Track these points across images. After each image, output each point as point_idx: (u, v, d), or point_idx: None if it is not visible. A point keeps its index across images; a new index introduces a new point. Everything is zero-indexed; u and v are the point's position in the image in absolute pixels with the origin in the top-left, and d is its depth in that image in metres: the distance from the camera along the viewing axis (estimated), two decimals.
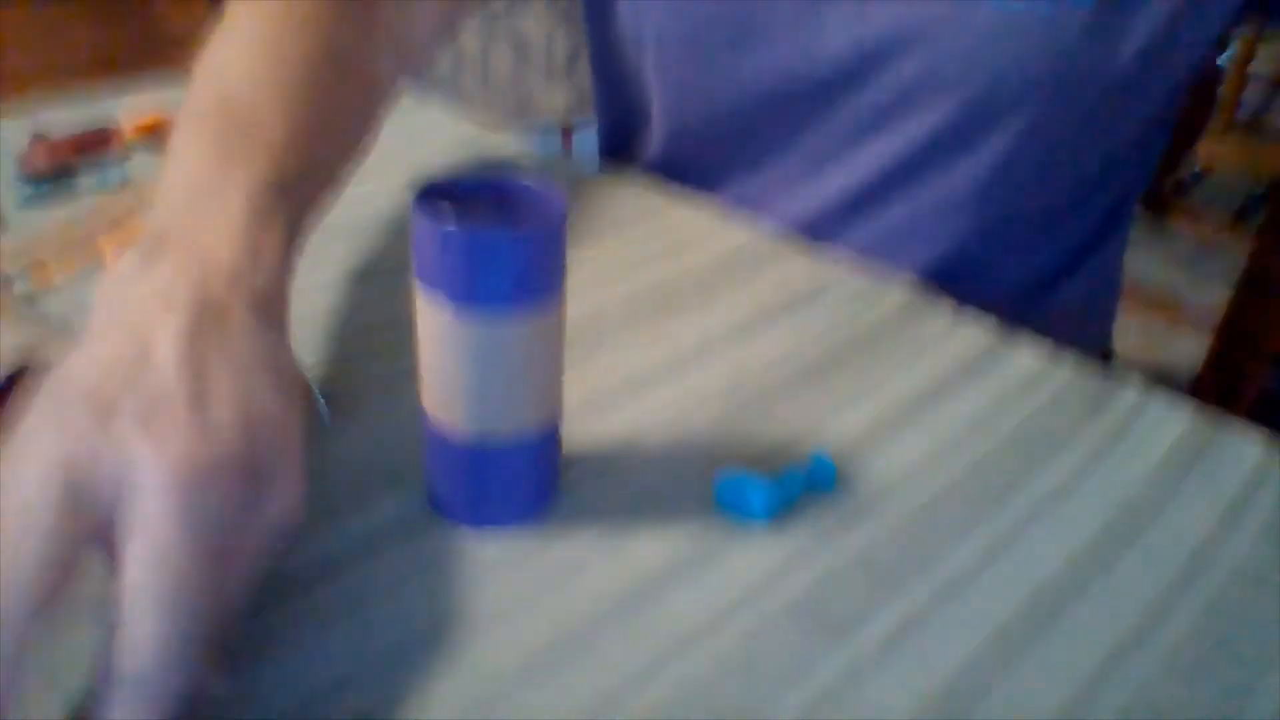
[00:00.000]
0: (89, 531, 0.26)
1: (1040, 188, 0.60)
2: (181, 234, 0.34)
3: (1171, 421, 0.46)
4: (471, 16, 0.69)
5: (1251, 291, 0.81)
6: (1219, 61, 2.00)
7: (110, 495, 0.27)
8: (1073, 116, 0.57)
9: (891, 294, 0.56)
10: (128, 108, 0.75)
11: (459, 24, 0.63)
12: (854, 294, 0.56)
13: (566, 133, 2.16)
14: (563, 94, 2.08)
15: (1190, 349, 1.69)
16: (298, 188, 0.40)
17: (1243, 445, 0.45)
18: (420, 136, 0.74)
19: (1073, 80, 0.55)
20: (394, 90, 0.55)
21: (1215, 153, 2.14)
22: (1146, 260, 2.34)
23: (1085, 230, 0.66)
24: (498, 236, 0.32)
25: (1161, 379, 0.98)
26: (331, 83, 0.47)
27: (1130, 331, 2.02)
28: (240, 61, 0.45)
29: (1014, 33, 0.54)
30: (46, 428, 0.27)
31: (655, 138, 0.71)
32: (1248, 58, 2.13)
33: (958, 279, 0.62)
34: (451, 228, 0.32)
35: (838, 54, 0.58)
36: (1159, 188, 2.37)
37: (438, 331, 0.34)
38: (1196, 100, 2.04)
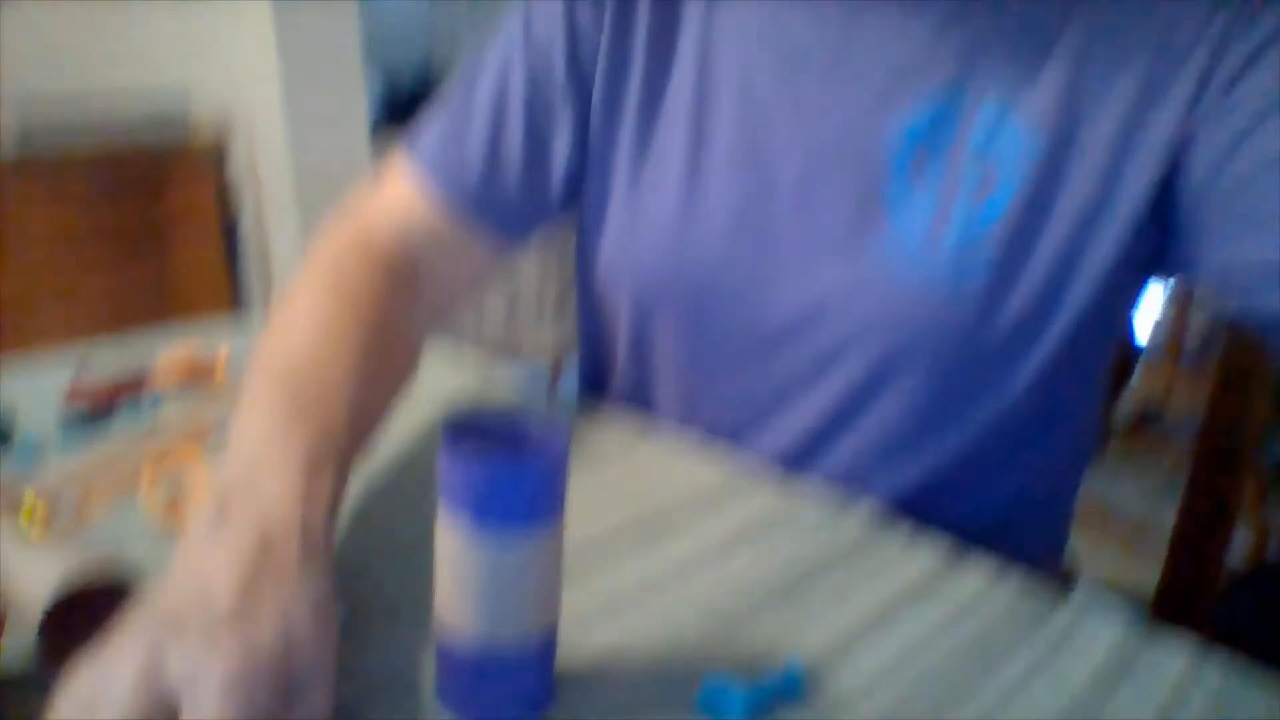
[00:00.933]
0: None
1: (963, 436, 0.66)
2: (247, 484, 0.44)
3: (1108, 630, 0.51)
4: (496, 278, 0.79)
5: (1195, 513, 0.87)
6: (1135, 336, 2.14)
7: (179, 692, 0.35)
8: (973, 372, 0.63)
9: (851, 521, 0.62)
10: (160, 352, 0.83)
11: (486, 284, 0.75)
12: (817, 521, 0.62)
13: (556, 367, 2.28)
14: (552, 333, 2.21)
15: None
16: (347, 436, 0.50)
17: (1174, 650, 0.50)
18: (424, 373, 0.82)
19: (966, 341, 0.62)
20: (426, 346, 0.68)
21: (1164, 395, 2.27)
22: (1115, 487, 2.41)
23: (1036, 473, 0.71)
24: (511, 464, 0.39)
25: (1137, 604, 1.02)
26: (379, 351, 0.59)
27: (1104, 557, 2.06)
28: (303, 333, 0.57)
29: (910, 303, 0.62)
30: (135, 640, 0.36)
31: (628, 374, 0.79)
32: (1186, 299, 2.30)
33: (914, 508, 0.68)
34: (474, 458, 0.38)
35: (782, 313, 0.67)
36: (1130, 417, 2.49)
37: (455, 546, 0.40)
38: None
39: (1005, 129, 0.60)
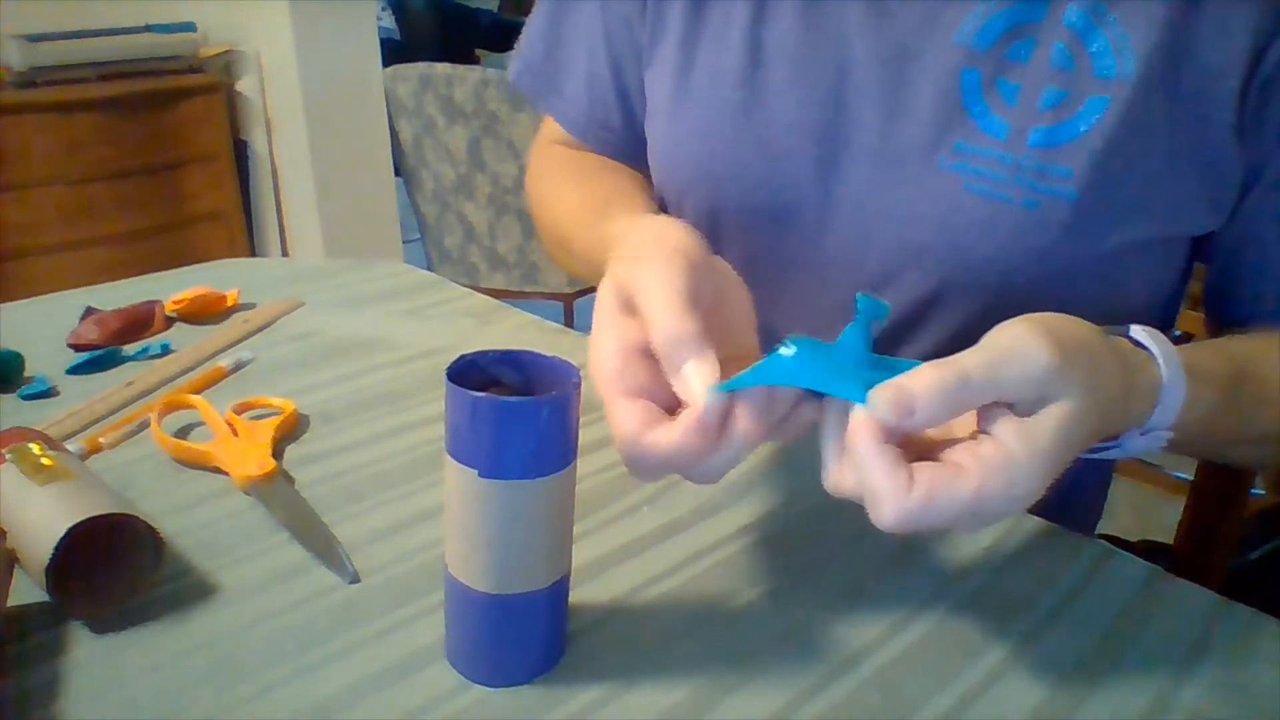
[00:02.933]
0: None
1: None
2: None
3: (1128, 578, 0.50)
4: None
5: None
6: None
7: None
8: (1051, 304, 0.60)
9: None
10: (169, 288, 0.82)
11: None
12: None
13: (569, 303, 2.26)
14: (566, 274, 2.20)
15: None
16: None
17: (1194, 600, 0.49)
18: (434, 309, 0.81)
19: (1053, 270, 0.57)
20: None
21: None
22: None
23: None
24: (520, 404, 0.37)
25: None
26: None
27: (1123, 505, 2.06)
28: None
29: (993, 216, 0.57)
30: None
31: None
32: None
33: None
34: (480, 396, 0.37)
35: (848, 218, 0.62)
36: None
37: (463, 496, 0.39)
38: None
39: (1097, 37, 0.55)
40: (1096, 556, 0.52)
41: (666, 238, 0.43)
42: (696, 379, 0.38)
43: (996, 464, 0.36)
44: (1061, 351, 0.37)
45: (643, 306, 0.40)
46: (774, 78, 0.63)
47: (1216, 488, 0.86)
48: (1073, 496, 0.72)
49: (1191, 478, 0.87)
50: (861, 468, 0.37)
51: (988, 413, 0.38)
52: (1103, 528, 0.85)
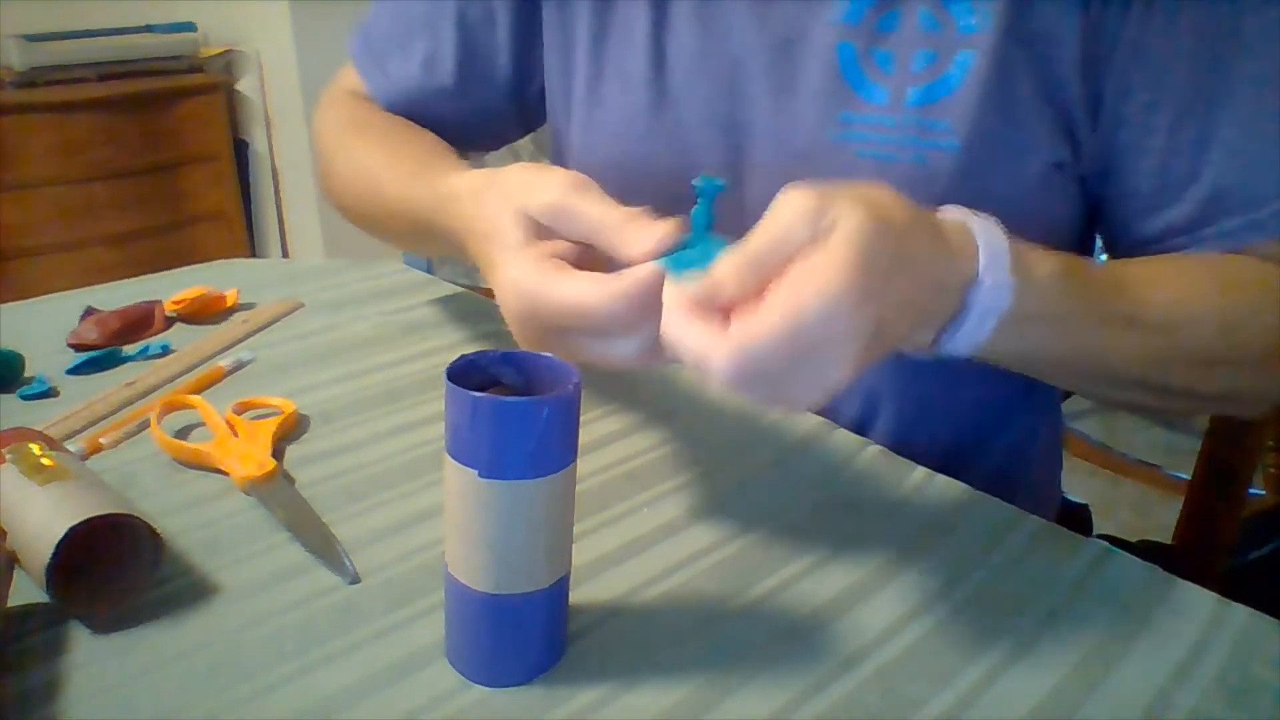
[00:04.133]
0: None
1: None
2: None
3: (1127, 578, 0.50)
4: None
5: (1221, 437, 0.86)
6: None
7: None
8: None
9: (866, 461, 0.61)
10: (169, 288, 0.82)
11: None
12: (832, 462, 0.61)
13: None
14: None
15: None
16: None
17: (1194, 601, 0.49)
18: (434, 309, 0.81)
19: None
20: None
21: None
22: (1133, 435, 2.40)
23: (1010, 386, 0.69)
24: (520, 404, 0.37)
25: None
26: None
27: (1120, 505, 2.06)
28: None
29: (885, 178, 0.59)
30: None
31: None
32: None
33: (890, 435, 0.67)
34: (480, 396, 0.37)
35: (758, 201, 0.64)
36: None
37: (463, 496, 0.39)
38: None
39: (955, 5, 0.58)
40: (1096, 556, 0.52)
41: (547, 168, 0.49)
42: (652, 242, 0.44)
43: (798, 276, 0.38)
44: (821, 193, 0.40)
45: (575, 213, 0.46)
46: (677, 77, 0.67)
47: (1215, 488, 0.86)
48: (1017, 463, 0.73)
49: (1191, 478, 0.87)
50: (674, 337, 0.40)
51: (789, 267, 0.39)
52: (1102, 528, 0.85)
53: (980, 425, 0.71)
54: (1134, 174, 0.60)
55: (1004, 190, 0.59)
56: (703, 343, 0.38)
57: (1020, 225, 0.60)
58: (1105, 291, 0.52)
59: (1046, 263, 0.48)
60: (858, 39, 0.60)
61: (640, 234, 0.45)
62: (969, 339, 0.46)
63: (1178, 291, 0.55)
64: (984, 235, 0.46)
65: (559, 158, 0.76)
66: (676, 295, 0.40)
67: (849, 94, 0.61)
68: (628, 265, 0.44)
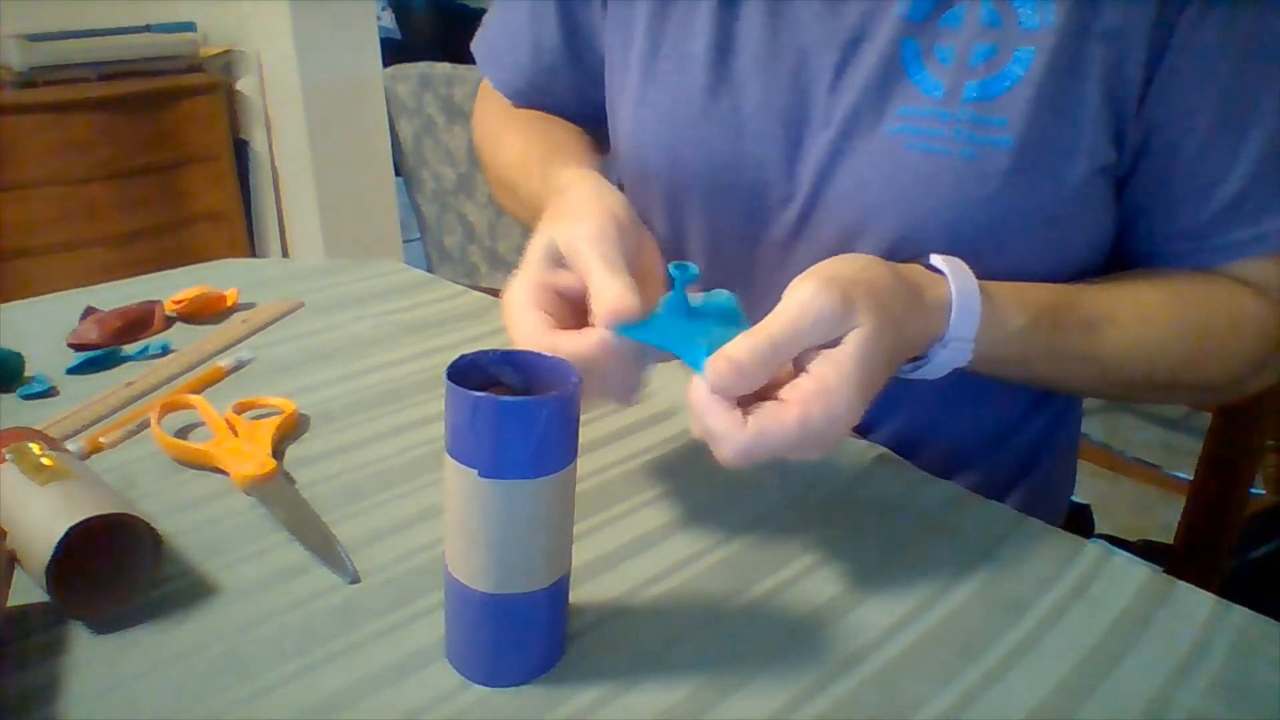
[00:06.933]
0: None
1: None
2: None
3: (1127, 580, 0.50)
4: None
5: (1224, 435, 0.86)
6: None
7: None
8: (1001, 252, 0.61)
9: (866, 460, 0.61)
10: (169, 288, 0.82)
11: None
12: (833, 462, 0.61)
13: None
14: None
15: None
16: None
17: (1194, 602, 0.49)
18: (434, 309, 0.81)
19: (997, 217, 0.60)
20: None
21: None
22: (1134, 435, 2.40)
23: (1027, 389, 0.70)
24: (520, 404, 0.37)
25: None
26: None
27: (1121, 505, 2.06)
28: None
29: (934, 172, 0.60)
30: None
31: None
32: None
33: (911, 439, 0.67)
34: (480, 396, 0.37)
35: (808, 197, 0.65)
36: None
37: (463, 493, 0.39)
38: None
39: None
40: (1096, 557, 0.52)
41: (601, 199, 0.52)
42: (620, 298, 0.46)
43: (813, 392, 0.44)
44: (842, 292, 0.45)
45: (580, 261, 0.48)
46: (741, 63, 0.66)
47: (1216, 488, 0.86)
48: (1036, 472, 0.73)
49: (1191, 478, 0.87)
50: (701, 417, 0.44)
51: (803, 355, 0.46)
52: (1103, 528, 0.85)
53: (998, 424, 0.71)
54: (1164, 178, 0.60)
55: (1049, 193, 0.60)
56: (723, 426, 0.43)
57: (1058, 229, 0.62)
58: (1071, 336, 0.57)
59: (1019, 316, 0.55)
60: (920, 35, 0.60)
61: (605, 301, 0.47)
62: (926, 376, 0.54)
63: (1142, 330, 0.59)
64: (959, 299, 0.52)
65: (614, 138, 0.75)
66: (700, 383, 0.44)
67: (909, 87, 0.61)
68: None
